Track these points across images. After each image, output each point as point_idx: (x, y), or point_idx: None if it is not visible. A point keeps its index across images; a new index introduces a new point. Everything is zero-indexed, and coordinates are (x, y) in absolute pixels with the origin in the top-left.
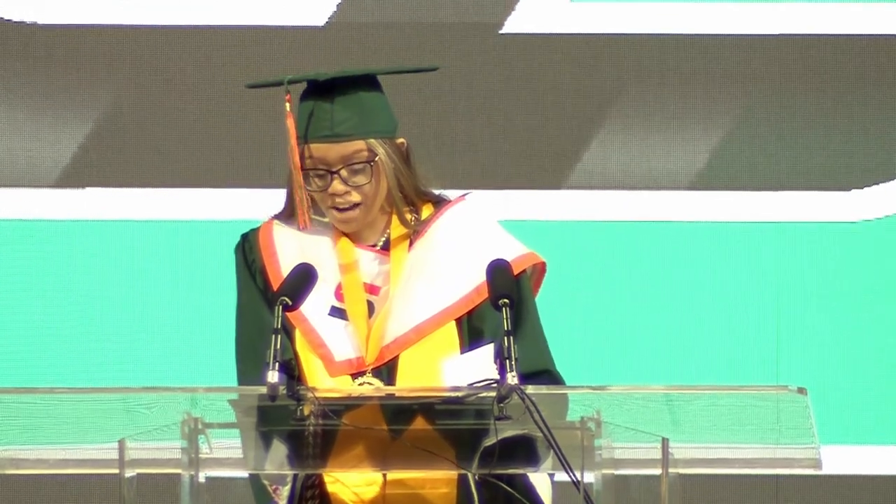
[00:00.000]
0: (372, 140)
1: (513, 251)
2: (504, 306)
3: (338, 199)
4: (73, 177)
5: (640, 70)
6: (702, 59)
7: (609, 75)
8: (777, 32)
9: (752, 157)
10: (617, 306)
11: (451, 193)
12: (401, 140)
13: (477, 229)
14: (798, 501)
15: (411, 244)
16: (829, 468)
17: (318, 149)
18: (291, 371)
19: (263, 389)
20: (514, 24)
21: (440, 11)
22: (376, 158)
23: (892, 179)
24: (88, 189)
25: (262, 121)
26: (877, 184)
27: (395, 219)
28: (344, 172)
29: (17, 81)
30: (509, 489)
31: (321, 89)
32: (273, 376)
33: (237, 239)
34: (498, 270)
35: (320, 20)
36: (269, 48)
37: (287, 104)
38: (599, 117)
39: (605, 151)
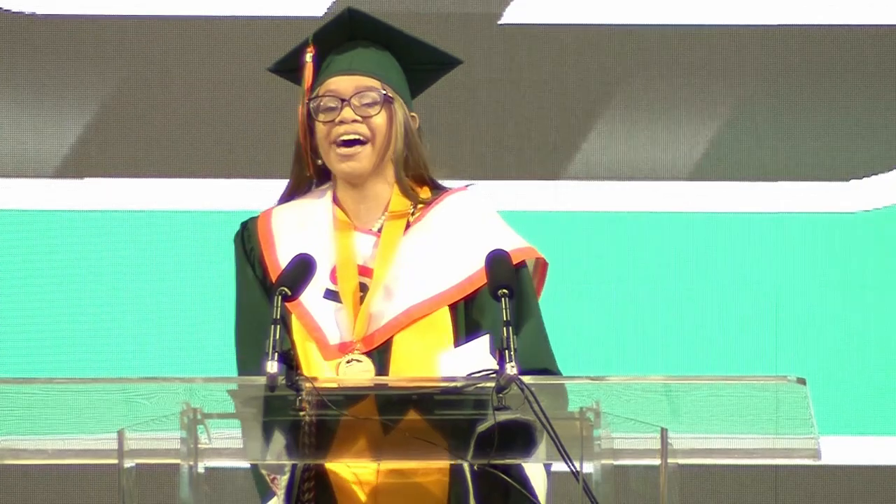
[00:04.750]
0: (389, 88)
1: (511, 243)
2: (503, 296)
3: (345, 128)
4: (73, 167)
5: (640, 61)
6: (701, 50)
7: (608, 66)
8: (777, 23)
9: (751, 148)
10: (616, 296)
11: (451, 184)
12: (414, 114)
13: (477, 219)
14: (797, 491)
15: (408, 227)
16: (827, 458)
17: (333, 81)
18: (291, 361)
19: (262, 380)
20: (513, 14)
21: (439, 2)
22: (392, 103)
23: (891, 170)
24: (87, 179)
25: (262, 111)
26: (875, 174)
27: (392, 202)
28: (355, 101)
29: (16, 72)
30: (506, 478)
31: (349, 37)
32: (272, 366)
33: (237, 229)
34: (497, 260)
35: (319, 10)
36: (268, 39)
37: (308, 54)
38: (598, 108)
39: (605, 142)
